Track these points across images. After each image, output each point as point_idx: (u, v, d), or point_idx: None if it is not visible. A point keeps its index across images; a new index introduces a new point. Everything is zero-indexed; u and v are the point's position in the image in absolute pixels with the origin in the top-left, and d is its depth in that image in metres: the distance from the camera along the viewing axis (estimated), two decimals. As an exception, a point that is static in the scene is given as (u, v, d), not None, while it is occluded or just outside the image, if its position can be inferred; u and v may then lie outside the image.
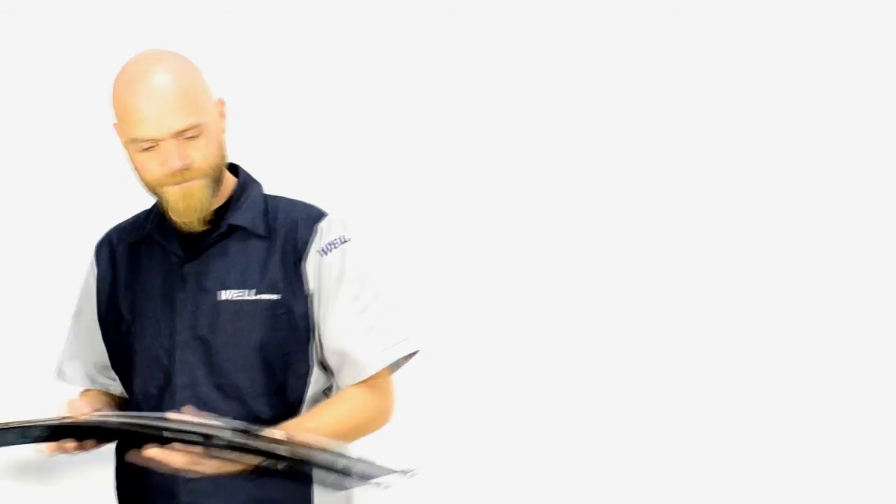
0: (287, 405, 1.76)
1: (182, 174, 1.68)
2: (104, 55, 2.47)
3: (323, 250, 1.77)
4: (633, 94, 2.57)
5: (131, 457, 1.62)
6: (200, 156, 1.68)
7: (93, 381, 1.93)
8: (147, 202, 1.85)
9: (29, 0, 2.51)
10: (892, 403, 2.56)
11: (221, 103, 1.76)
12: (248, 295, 1.73)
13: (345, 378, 1.79)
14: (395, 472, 1.59)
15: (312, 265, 1.76)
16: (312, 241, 1.77)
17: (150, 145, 1.67)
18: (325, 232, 1.78)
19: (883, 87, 2.55)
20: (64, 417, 1.62)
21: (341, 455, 1.61)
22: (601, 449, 2.58)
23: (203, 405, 1.68)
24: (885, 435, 2.56)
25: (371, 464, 1.60)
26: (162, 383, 1.75)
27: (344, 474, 1.60)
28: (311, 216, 1.80)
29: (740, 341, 2.57)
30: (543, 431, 2.57)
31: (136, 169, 1.73)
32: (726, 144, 2.57)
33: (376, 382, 1.78)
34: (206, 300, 1.73)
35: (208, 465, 1.59)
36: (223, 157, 1.75)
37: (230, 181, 1.81)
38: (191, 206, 1.70)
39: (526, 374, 2.57)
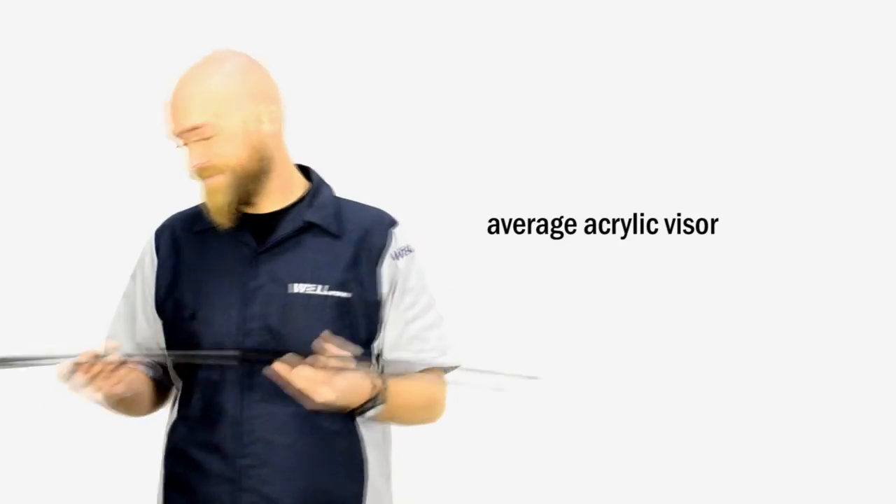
0: None
1: (201, 172, 1.75)
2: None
3: (395, 255, 1.82)
4: (638, 96, 2.57)
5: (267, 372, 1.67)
6: (217, 155, 1.74)
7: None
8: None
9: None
10: (892, 403, 2.58)
11: (277, 107, 1.80)
12: (319, 290, 1.77)
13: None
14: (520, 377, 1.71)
15: (388, 270, 1.80)
16: (388, 246, 1.81)
17: (180, 142, 1.75)
18: (398, 238, 1.83)
19: (882, 87, 2.56)
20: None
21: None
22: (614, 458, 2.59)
23: (267, 394, 1.73)
24: (885, 435, 2.57)
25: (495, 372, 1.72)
26: (226, 371, 1.76)
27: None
28: (385, 222, 1.85)
29: (743, 346, 2.57)
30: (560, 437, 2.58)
31: None
32: (725, 145, 2.58)
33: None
34: (279, 291, 1.76)
35: (329, 388, 1.64)
36: (257, 159, 1.78)
37: (300, 182, 1.86)
38: (213, 203, 1.76)
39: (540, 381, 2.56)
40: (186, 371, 1.81)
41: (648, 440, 2.58)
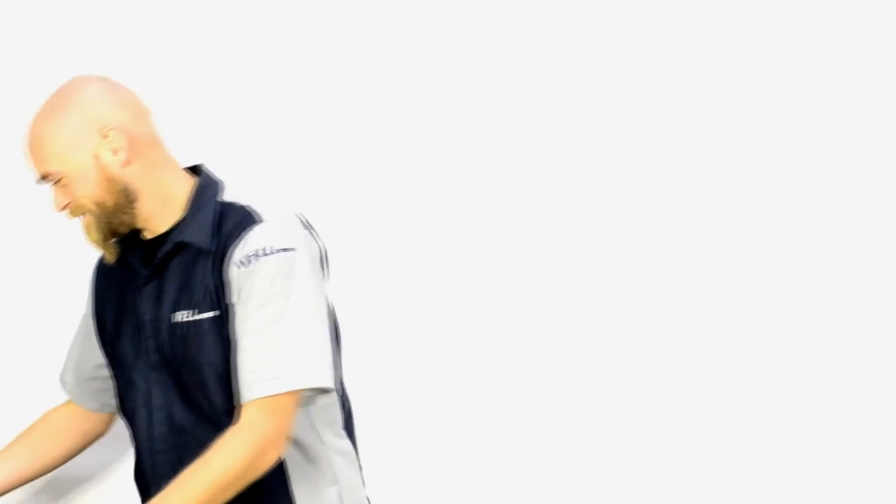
0: None
1: (68, 213, 1.75)
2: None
3: (242, 261, 1.67)
4: (631, 97, 2.55)
5: None
6: (76, 197, 1.72)
7: (80, 390, 1.96)
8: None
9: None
10: (893, 403, 2.55)
11: (118, 136, 1.71)
12: (194, 315, 1.69)
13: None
14: None
15: (235, 276, 1.67)
16: (234, 249, 1.67)
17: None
18: (248, 241, 1.67)
19: (883, 87, 2.53)
20: None
21: None
22: (595, 458, 2.57)
23: (177, 427, 1.72)
24: (885, 435, 2.55)
25: None
26: (139, 404, 1.76)
27: None
28: (242, 223, 1.70)
29: (740, 342, 2.55)
30: (538, 438, 2.56)
31: None
32: (726, 144, 2.55)
33: (253, 418, 1.65)
34: (164, 322, 1.72)
35: None
36: (115, 192, 1.72)
37: (184, 196, 1.75)
38: (89, 241, 1.75)
39: (518, 379, 2.56)
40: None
41: (647, 443, 2.58)
